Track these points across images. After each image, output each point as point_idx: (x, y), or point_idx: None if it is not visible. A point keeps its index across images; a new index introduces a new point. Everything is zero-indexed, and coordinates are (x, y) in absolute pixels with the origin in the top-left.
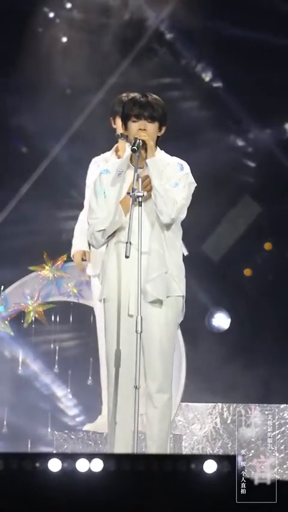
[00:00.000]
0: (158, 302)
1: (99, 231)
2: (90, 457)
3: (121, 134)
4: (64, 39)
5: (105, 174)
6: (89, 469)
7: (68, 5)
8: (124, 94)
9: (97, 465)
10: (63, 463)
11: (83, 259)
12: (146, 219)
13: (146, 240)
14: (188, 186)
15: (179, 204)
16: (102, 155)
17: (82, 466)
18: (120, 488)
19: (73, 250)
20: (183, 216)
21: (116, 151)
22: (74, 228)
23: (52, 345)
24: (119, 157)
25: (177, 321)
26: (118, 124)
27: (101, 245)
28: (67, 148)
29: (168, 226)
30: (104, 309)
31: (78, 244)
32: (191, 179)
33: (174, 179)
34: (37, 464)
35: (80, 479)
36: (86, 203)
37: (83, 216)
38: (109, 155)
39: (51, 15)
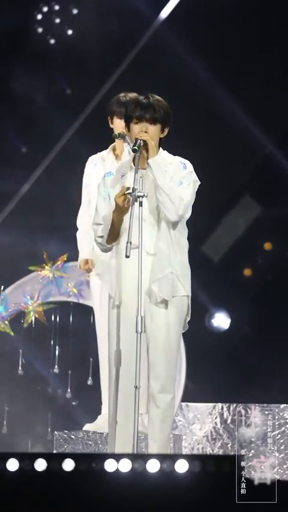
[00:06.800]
0: (163, 302)
1: (99, 237)
2: (90, 456)
3: (118, 134)
4: (63, 39)
5: (108, 177)
6: (89, 469)
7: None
8: (122, 94)
9: (97, 465)
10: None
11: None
12: (151, 219)
13: (153, 240)
14: (193, 184)
15: (185, 200)
16: (98, 153)
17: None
18: (120, 488)
19: (79, 257)
20: (188, 214)
21: (113, 150)
22: (74, 225)
23: (52, 345)
24: (116, 156)
25: (182, 321)
26: (115, 124)
27: (106, 250)
28: (67, 147)
29: (174, 225)
30: (109, 309)
31: (81, 252)
32: (195, 177)
33: (178, 178)
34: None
35: (79, 479)
36: (83, 201)
37: (80, 218)
38: (106, 153)
39: (51, 16)
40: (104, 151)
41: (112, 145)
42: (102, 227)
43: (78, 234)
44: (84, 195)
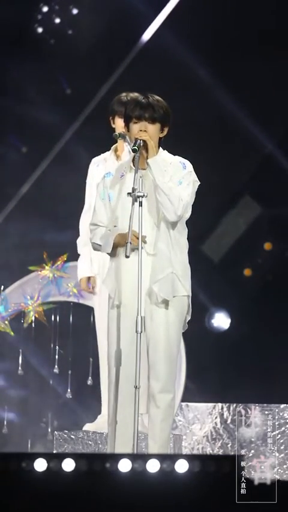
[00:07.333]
0: (163, 302)
1: (97, 244)
2: (90, 456)
3: (119, 134)
4: (63, 39)
5: (108, 177)
6: (89, 469)
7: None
8: (123, 94)
9: (98, 465)
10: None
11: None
12: (150, 219)
13: (152, 241)
14: (192, 184)
15: (184, 200)
16: (101, 155)
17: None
18: (120, 488)
19: (79, 275)
20: (188, 214)
21: (115, 150)
22: (74, 224)
23: (52, 345)
24: (118, 157)
25: (182, 321)
26: (117, 124)
27: (100, 251)
28: (67, 147)
29: (173, 225)
30: (108, 309)
31: (81, 269)
32: (195, 177)
33: (177, 178)
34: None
35: (79, 479)
36: (86, 202)
37: (83, 224)
38: (108, 155)
39: (52, 15)
40: (107, 152)
41: (114, 145)
42: (99, 232)
43: (78, 241)
44: (87, 197)
